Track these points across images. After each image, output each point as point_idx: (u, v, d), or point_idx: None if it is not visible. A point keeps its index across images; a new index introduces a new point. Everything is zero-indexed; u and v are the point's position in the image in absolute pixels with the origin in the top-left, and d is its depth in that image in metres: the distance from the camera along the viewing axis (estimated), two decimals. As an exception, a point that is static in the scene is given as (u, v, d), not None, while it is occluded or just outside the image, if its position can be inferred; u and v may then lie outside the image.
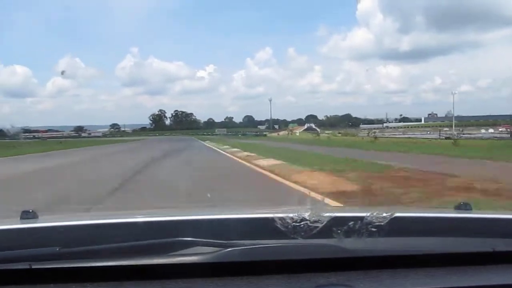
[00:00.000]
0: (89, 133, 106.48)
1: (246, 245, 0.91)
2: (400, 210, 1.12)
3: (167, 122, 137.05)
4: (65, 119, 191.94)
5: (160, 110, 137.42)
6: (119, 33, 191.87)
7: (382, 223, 0.92)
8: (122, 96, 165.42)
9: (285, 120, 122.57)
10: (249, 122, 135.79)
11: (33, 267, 0.86)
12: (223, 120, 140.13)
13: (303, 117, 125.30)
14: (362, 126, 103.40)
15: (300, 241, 0.91)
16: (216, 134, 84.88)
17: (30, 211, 1.15)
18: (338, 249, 0.91)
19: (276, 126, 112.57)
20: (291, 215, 0.91)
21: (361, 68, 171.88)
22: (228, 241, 0.91)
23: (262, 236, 0.94)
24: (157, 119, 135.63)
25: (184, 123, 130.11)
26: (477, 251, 0.98)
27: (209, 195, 6.58)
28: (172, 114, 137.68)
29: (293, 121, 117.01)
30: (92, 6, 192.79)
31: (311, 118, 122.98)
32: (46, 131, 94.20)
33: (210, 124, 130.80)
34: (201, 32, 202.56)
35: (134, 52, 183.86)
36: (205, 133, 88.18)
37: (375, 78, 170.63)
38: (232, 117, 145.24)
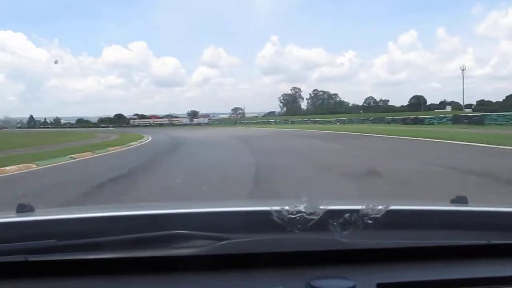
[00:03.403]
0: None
1: (242, 238, 0.91)
2: (396, 202, 1.09)
3: (303, 105, 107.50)
4: (207, 106, 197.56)
5: (294, 88, 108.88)
6: (259, 23, 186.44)
7: (378, 216, 0.92)
8: (261, 84, 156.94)
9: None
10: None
11: (29, 259, 0.86)
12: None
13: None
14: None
15: (296, 234, 0.91)
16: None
17: (26, 204, 1.15)
18: (334, 242, 0.92)
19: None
20: (287, 207, 0.91)
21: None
22: (224, 234, 0.91)
23: (258, 229, 0.95)
24: (290, 100, 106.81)
25: (325, 106, 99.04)
26: (473, 244, 0.98)
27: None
28: (310, 94, 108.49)
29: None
30: None
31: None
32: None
33: (356, 108, 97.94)
34: (340, 17, 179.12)
35: (274, 40, 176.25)
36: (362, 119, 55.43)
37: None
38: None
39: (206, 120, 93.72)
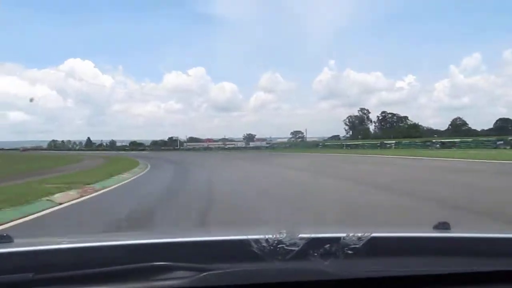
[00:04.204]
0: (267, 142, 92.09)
1: (223, 269, 0.90)
2: (377, 230, 1.08)
3: (371, 127, 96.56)
4: (263, 130, 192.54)
5: (361, 110, 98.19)
6: (316, 47, 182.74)
7: (359, 245, 0.92)
8: (318, 109, 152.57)
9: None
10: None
11: None
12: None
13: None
14: None
15: (277, 264, 0.90)
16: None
17: (5, 235, 1.13)
18: (316, 272, 0.90)
19: None
20: (266, 237, 0.91)
21: None
22: (205, 265, 0.90)
23: (240, 259, 0.93)
24: (356, 122, 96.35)
25: (397, 129, 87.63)
26: (458, 272, 0.97)
27: None
28: (378, 117, 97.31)
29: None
30: (290, 24, 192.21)
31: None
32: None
33: (429, 132, 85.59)
34: (398, 41, 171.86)
35: (331, 65, 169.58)
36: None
37: None
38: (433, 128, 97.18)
39: (264, 143, 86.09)
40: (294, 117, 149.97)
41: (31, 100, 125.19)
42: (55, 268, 0.89)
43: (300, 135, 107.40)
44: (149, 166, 22.57)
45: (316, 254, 0.90)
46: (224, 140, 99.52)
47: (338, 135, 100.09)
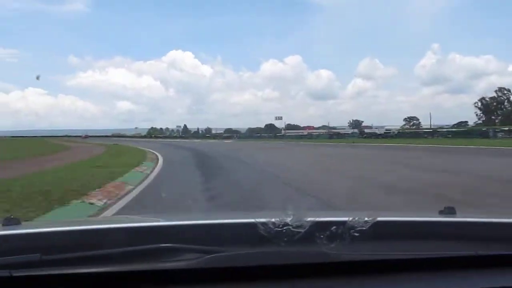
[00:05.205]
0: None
1: (229, 251, 0.90)
2: (383, 214, 1.09)
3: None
4: (364, 118, 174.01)
5: (500, 90, 78.42)
6: (418, 31, 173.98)
7: (365, 228, 0.91)
8: (420, 96, 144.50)
9: None
10: None
11: (13, 274, 0.84)
12: None
13: None
14: None
15: (283, 246, 0.90)
16: None
17: (12, 217, 1.12)
18: (321, 255, 0.90)
19: None
20: (273, 220, 0.90)
21: None
22: (212, 247, 0.90)
23: (246, 242, 0.93)
24: (491, 105, 77.71)
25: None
26: (461, 255, 0.98)
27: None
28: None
29: None
30: (389, 7, 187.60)
31: None
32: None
33: None
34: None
35: (435, 48, 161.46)
36: None
37: None
38: None
39: (376, 131, 71.53)
40: (393, 105, 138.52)
41: (38, 77, 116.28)
42: (63, 250, 0.89)
43: (414, 121, 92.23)
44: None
45: (322, 237, 0.90)
46: (326, 128, 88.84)
47: (466, 121, 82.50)
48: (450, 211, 1.22)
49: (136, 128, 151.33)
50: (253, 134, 72.32)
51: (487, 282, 0.93)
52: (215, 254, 0.88)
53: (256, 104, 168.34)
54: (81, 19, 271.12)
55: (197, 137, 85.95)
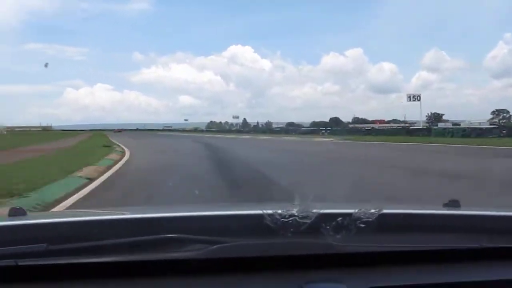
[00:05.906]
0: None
1: (236, 242, 0.91)
2: (389, 206, 1.10)
3: None
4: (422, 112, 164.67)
5: None
6: (489, 20, 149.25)
7: (370, 219, 0.92)
8: (490, 89, 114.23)
9: None
10: None
11: (19, 264, 0.85)
12: None
13: None
14: None
15: (289, 238, 0.90)
16: None
17: (18, 208, 1.14)
18: (327, 246, 0.91)
19: None
20: (279, 211, 0.90)
21: None
22: (219, 238, 0.90)
23: (252, 233, 0.94)
24: None
25: None
26: (465, 247, 0.98)
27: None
28: None
29: None
30: None
31: None
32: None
33: None
34: None
35: (507, 38, 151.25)
36: None
37: None
38: None
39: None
40: (461, 98, 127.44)
41: (46, 65, 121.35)
42: (69, 240, 0.89)
43: (504, 114, 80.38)
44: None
45: (328, 228, 0.90)
46: (397, 122, 79.95)
47: None
48: (455, 203, 1.23)
49: (186, 120, 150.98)
50: (319, 128, 64.78)
51: (492, 275, 0.94)
52: (222, 245, 0.88)
53: (315, 97, 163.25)
54: (145, 17, 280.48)
55: (256, 131, 75.43)
